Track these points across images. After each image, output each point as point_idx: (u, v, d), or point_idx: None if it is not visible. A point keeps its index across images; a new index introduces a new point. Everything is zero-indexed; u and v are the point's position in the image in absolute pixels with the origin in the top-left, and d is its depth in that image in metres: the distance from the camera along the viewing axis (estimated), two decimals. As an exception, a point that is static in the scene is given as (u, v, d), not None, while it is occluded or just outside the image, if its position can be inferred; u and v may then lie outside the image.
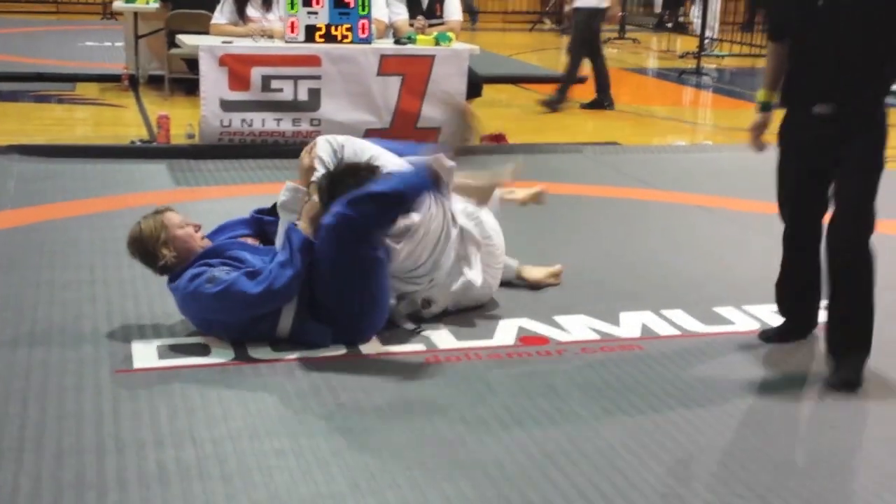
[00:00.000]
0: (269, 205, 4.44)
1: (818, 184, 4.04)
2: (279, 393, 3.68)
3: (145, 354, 3.95)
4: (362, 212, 3.88)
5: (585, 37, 10.02)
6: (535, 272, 4.91)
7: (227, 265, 4.02)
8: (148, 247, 4.07)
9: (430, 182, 3.98)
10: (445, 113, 4.26)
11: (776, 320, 4.55)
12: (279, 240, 4.13)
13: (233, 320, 3.98)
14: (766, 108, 4.22)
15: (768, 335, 4.34)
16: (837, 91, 3.85)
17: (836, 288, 3.95)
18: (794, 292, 4.30)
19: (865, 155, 3.87)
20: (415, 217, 4.14)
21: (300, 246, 3.95)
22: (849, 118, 3.86)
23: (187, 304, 4.05)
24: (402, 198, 3.95)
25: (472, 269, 4.44)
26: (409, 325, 4.31)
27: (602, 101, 10.20)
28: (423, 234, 4.22)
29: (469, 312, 4.51)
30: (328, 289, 4.00)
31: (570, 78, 10.20)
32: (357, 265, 3.96)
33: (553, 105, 10.07)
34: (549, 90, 10.26)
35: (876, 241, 3.90)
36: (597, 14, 10.01)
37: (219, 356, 3.96)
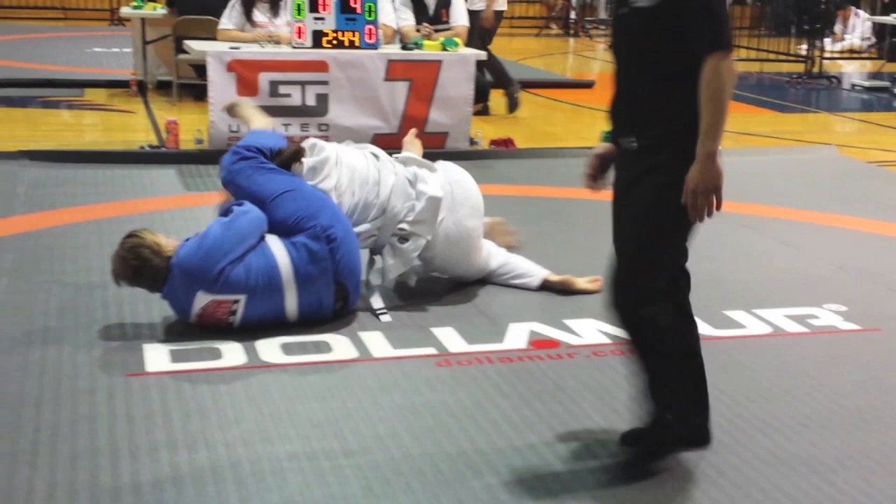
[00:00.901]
0: None
1: None
2: (290, 396, 3.68)
3: (157, 358, 3.96)
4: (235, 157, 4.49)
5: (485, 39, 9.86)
6: (574, 282, 4.88)
7: None
8: (157, 256, 4.10)
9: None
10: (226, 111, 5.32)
11: (788, 325, 4.55)
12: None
13: (229, 253, 4.10)
14: (607, 138, 3.26)
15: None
16: (634, 120, 3.03)
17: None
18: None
19: (645, 199, 3.01)
20: (321, 155, 4.59)
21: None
22: (646, 155, 3.00)
23: (192, 275, 4.07)
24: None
25: (429, 184, 4.61)
26: (378, 304, 4.48)
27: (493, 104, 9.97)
28: (341, 168, 4.56)
29: (479, 315, 4.51)
30: (275, 218, 4.29)
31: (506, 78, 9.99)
32: (265, 186, 4.36)
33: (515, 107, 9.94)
34: (557, 94, 10.25)
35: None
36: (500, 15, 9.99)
37: (230, 359, 3.97)
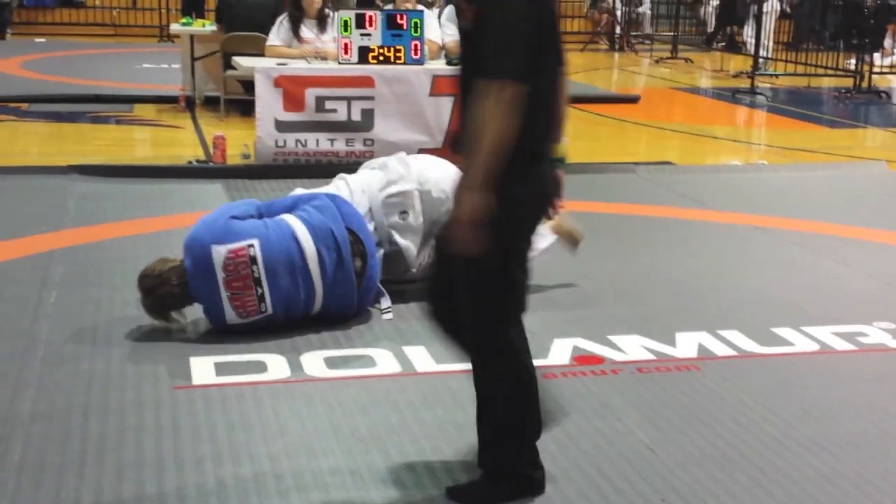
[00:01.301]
0: None
1: None
2: (335, 410, 3.70)
3: (204, 370, 4.00)
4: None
5: None
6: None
7: None
8: (168, 262, 4.38)
9: None
10: None
11: (837, 342, 4.50)
12: None
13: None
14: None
15: None
16: (461, 139, 2.92)
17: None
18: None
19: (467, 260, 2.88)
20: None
21: None
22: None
23: (201, 237, 4.28)
24: None
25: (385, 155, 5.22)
26: (385, 303, 4.65)
27: None
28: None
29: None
30: (277, 208, 4.59)
31: None
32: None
33: None
34: (602, 109, 10.23)
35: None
36: None
37: (275, 373, 4.00)
